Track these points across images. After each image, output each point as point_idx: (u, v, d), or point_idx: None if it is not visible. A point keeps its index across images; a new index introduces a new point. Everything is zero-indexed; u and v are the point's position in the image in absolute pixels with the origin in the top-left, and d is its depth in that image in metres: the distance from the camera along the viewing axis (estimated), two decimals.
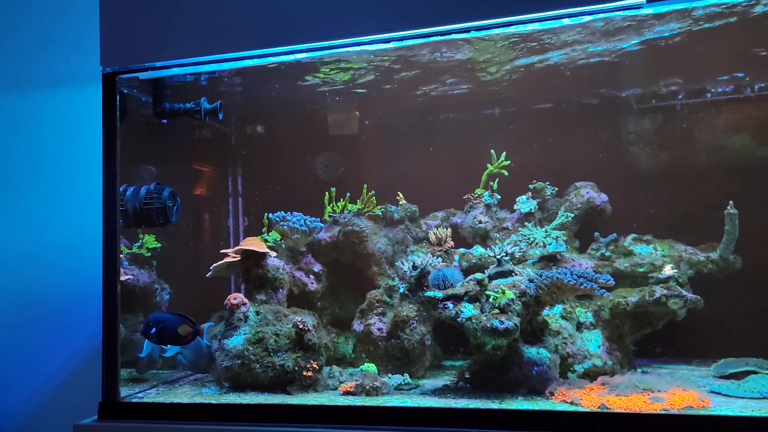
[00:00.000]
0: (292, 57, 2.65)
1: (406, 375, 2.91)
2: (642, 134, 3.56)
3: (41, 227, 3.67)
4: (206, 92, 3.10)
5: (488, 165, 3.54)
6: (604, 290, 2.54)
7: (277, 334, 2.84)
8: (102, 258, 2.66)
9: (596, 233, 3.35)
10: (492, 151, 3.51)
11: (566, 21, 2.41)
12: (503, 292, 2.59)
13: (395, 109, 3.89)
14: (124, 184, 3.00)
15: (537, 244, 3.24)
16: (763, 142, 3.33)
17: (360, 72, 3.31)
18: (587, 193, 3.44)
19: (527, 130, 3.70)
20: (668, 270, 3.13)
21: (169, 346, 3.04)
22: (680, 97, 3.47)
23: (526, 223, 3.39)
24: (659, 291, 2.88)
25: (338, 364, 3.12)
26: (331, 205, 3.54)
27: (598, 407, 2.28)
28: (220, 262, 3.11)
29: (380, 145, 3.99)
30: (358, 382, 2.71)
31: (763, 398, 2.40)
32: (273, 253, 3.22)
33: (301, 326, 2.81)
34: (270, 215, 3.44)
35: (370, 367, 2.98)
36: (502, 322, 2.48)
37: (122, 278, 2.85)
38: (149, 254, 3.54)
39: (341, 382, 2.82)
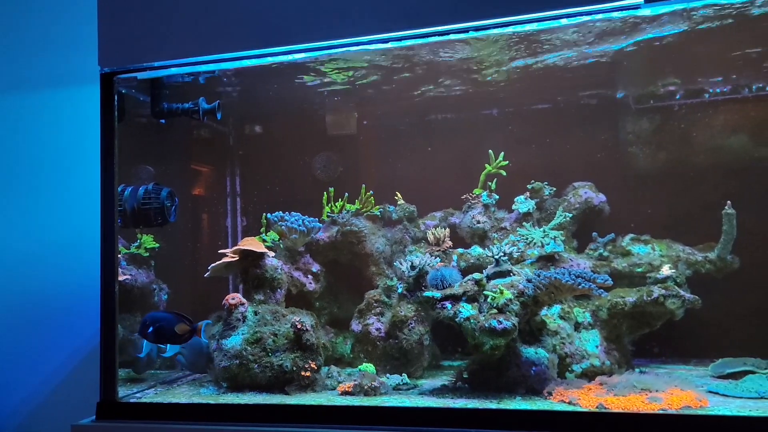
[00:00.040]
0: (290, 57, 2.65)
1: (405, 375, 2.91)
2: (640, 134, 3.57)
3: (39, 227, 3.66)
4: (204, 92, 3.10)
5: (486, 165, 3.54)
6: (602, 290, 2.54)
7: (276, 334, 2.84)
8: (100, 258, 2.66)
9: (594, 233, 3.36)
10: (490, 151, 3.51)
11: (564, 21, 2.42)
12: (501, 292, 2.59)
13: (394, 109, 3.89)
14: (122, 184, 3.00)
15: (535, 244, 3.24)
16: (761, 143, 3.33)
17: (358, 72, 3.31)
18: (585, 193, 3.45)
19: (525, 130, 3.71)
20: (666, 270, 3.13)
21: (168, 345, 3.04)
22: (678, 97, 3.48)
23: (524, 223, 3.39)
24: (657, 291, 2.88)
25: (336, 364, 3.12)
26: (330, 205, 3.54)
27: (596, 407, 2.29)
28: (218, 262, 3.11)
29: (379, 145, 3.99)
30: (356, 382, 2.71)
31: (761, 398, 2.41)
32: (271, 253, 3.22)
33: (299, 326, 2.81)
34: (268, 215, 3.44)
35: (369, 367, 2.98)
36: (500, 322, 2.48)
37: (120, 278, 2.85)
38: (147, 254, 3.53)
39: (339, 382, 2.82)
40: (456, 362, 3.29)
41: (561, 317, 2.95)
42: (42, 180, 3.68)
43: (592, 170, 3.55)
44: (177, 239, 3.83)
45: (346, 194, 3.53)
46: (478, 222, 3.50)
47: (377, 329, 3.12)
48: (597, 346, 2.89)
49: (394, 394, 2.71)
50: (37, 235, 3.66)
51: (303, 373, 2.77)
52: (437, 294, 2.70)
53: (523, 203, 3.46)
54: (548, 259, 3.17)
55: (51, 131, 3.69)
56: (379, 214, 3.59)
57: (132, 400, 2.73)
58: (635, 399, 2.31)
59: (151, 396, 2.83)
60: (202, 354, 3.08)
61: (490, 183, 3.56)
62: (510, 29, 2.57)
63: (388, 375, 2.93)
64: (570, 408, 2.33)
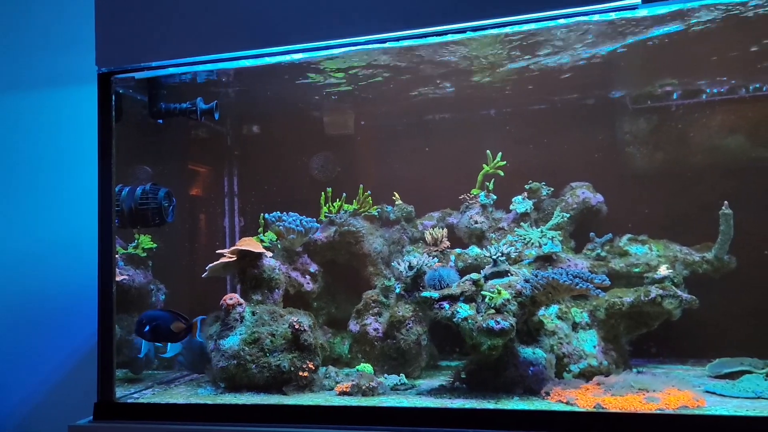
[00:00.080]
0: (288, 57, 2.65)
1: (402, 375, 2.91)
2: (637, 134, 3.57)
3: (37, 227, 3.66)
4: (202, 92, 3.10)
5: (484, 165, 3.54)
6: (599, 290, 2.55)
7: (273, 335, 2.84)
8: (97, 258, 2.65)
9: (592, 233, 3.36)
10: (488, 151, 3.51)
11: (562, 21, 2.42)
12: (499, 293, 2.60)
13: (391, 109, 3.89)
14: (119, 184, 2.99)
15: (533, 244, 3.24)
16: (758, 143, 3.34)
17: (356, 72, 3.31)
18: (583, 193, 3.45)
19: (523, 130, 3.71)
20: (663, 270, 3.14)
21: (169, 346, 3.04)
22: (675, 97, 3.48)
23: (521, 224, 3.40)
24: (654, 291, 2.88)
25: (334, 364, 3.12)
26: (327, 205, 3.54)
27: (594, 407, 2.29)
28: (215, 263, 3.11)
29: (376, 145, 3.99)
30: (354, 383, 2.71)
31: (758, 398, 2.41)
32: (269, 254, 3.22)
33: (297, 326, 2.81)
34: (266, 215, 3.44)
35: (366, 367, 2.99)
36: (498, 323, 2.48)
37: (118, 279, 2.85)
38: (145, 254, 3.53)
39: (337, 383, 2.82)
40: (454, 362, 3.29)
41: (558, 317, 2.95)
42: (39, 180, 3.68)
43: (589, 170, 3.56)
44: (174, 239, 3.83)
45: (344, 194, 3.53)
46: (476, 222, 3.50)
47: (375, 329, 3.12)
48: (594, 346, 2.89)
49: (391, 394, 2.71)
50: (34, 235, 3.65)
51: (301, 373, 2.77)
52: (435, 294, 2.70)
53: (520, 203, 3.47)
54: (546, 260, 3.17)
55: (48, 131, 3.69)
56: (376, 214, 3.59)
57: (129, 401, 2.72)
58: (632, 399, 2.31)
59: (149, 396, 2.83)
60: (202, 354, 3.08)
61: (487, 183, 3.56)
62: (507, 29, 2.57)
63: (385, 375, 2.93)
64: (567, 408, 2.33)
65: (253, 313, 2.94)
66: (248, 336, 2.84)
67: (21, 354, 3.63)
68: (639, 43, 2.99)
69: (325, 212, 3.53)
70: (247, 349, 2.80)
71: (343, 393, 2.69)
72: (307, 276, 3.43)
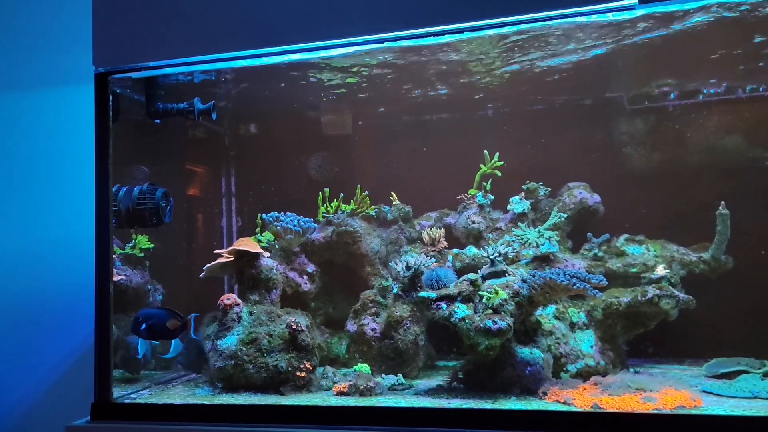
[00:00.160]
0: (285, 57, 2.65)
1: (400, 375, 2.91)
2: (634, 135, 3.58)
3: (33, 227, 3.65)
4: (199, 92, 3.10)
5: (481, 165, 3.54)
6: (596, 290, 2.55)
7: (271, 335, 2.84)
8: (95, 258, 2.65)
9: (589, 233, 3.37)
10: (485, 151, 3.52)
11: (559, 22, 2.42)
12: (496, 293, 2.60)
13: (389, 109, 3.89)
14: (116, 184, 2.99)
15: (530, 244, 3.24)
16: (755, 143, 3.35)
17: (354, 72, 3.31)
18: (580, 193, 3.46)
19: (520, 130, 3.71)
20: (660, 270, 3.14)
21: (172, 345, 3.04)
22: (672, 97, 3.49)
23: (519, 224, 3.40)
24: (651, 291, 2.89)
25: (332, 364, 3.12)
26: (325, 205, 3.54)
27: (591, 407, 2.29)
28: (213, 263, 3.11)
29: (374, 145, 3.99)
30: (351, 383, 2.71)
31: (755, 397, 2.42)
32: (266, 254, 3.21)
33: (294, 327, 2.81)
34: (263, 215, 3.44)
35: (364, 367, 2.99)
36: (495, 323, 2.49)
37: (115, 279, 2.85)
38: (142, 255, 3.53)
39: (335, 383, 2.82)
40: (451, 362, 3.29)
41: (556, 317, 2.96)
42: (36, 180, 3.67)
43: (586, 171, 3.56)
44: (172, 240, 3.83)
45: (342, 194, 3.53)
46: (474, 222, 3.50)
47: (372, 329, 3.12)
48: (592, 346, 2.89)
49: (389, 394, 2.71)
50: (31, 235, 3.65)
51: (298, 373, 2.77)
52: (432, 294, 2.70)
53: (518, 204, 3.47)
54: (543, 260, 3.18)
55: (46, 131, 3.68)
56: (374, 214, 3.59)
57: (127, 401, 2.72)
58: (630, 399, 2.31)
59: (146, 396, 2.83)
60: (200, 354, 3.08)
61: (485, 183, 3.56)
62: (505, 29, 2.57)
63: (383, 375, 2.93)
64: (565, 408, 2.34)
65: (251, 314, 2.94)
66: (246, 336, 2.83)
67: (18, 354, 3.63)
68: (636, 44, 2.99)
69: (323, 212, 3.53)
70: (244, 349, 2.80)
71: (340, 393, 2.69)
72: (304, 276, 3.43)
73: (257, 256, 3.13)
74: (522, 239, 3.27)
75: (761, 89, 3.35)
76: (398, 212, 3.60)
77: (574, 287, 2.52)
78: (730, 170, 3.35)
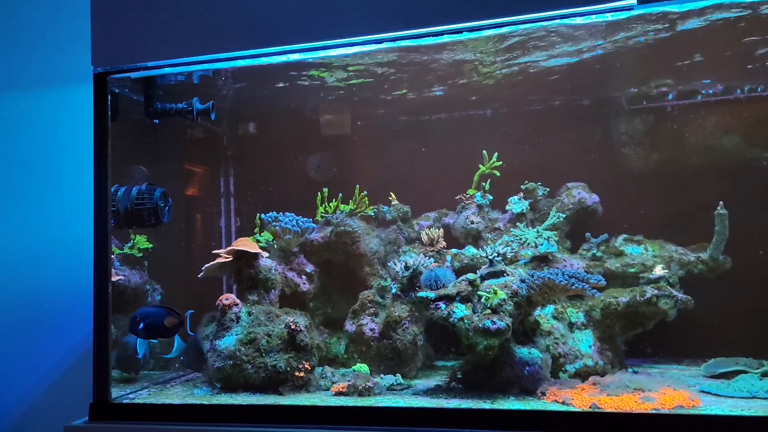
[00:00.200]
0: (284, 57, 2.65)
1: (398, 375, 2.91)
2: (633, 135, 3.58)
3: (32, 227, 3.65)
4: (198, 92, 3.10)
5: (480, 165, 3.54)
6: (595, 290, 2.55)
7: (269, 335, 2.84)
8: (93, 258, 2.65)
9: (587, 234, 3.37)
10: (484, 151, 3.52)
11: (557, 22, 2.43)
12: (495, 293, 2.60)
13: (387, 109, 3.89)
14: (115, 184, 2.99)
15: (529, 244, 3.25)
16: (754, 143, 3.35)
17: (353, 73, 3.31)
18: (579, 193, 3.46)
19: (519, 130, 3.71)
20: (659, 270, 3.14)
21: (175, 345, 3.04)
22: (671, 97, 3.49)
23: (517, 224, 3.40)
24: (650, 291, 2.89)
25: (330, 364, 3.12)
26: (324, 205, 3.54)
27: (590, 407, 2.29)
28: (212, 263, 3.11)
29: (372, 145, 3.99)
30: (350, 383, 2.71)
31: (753, 397, 2.42)
32: (265, 254, 3.21)
33: (293, 327, 2.81)
34: (262, 216, 3.44)
35: (363, 367, 2.99)
36: (494, 323, 2.49)
37: (113, 279, 2.84)
38: (140, 255, 3.53)
39: (333, 383, 2.82)
40: (450, 362, 3.30)
41: (554, 317, 2.96)
42: (35, 180, 3.67)
43: (585, 171, 3.56)
44: (170, 240, 3.83)
45: (340, 195, 3.53)
46: (472, 222, 3.50)
47: (371, 329, 3.13)
48: (590, 346, 2.90)
49: (387, 394, 2.72)
50: (30, 236, 3.64)
51: (297, 373, 2.77)
52: (431, 294, 2.70)
53: (516, 204, 3.47)
54: (542, 260, 3.18)
55: (44, 131, 3.68)
56: (373, 214, 3.59)
57: (125, 401, 2.72)
58: (628, 399, 2.31)
59: (145, 397, 2.82)
60: (202, 353, 3.08)
61: (483, 183, 3.56)
62: (504, 30, 2.57)
63: (381, 375, 2.93)
64: (563, 408, 2.34)
65: (249, 314, 2.94)
66: (244, 336, 2.83)
67: (17, 354, 3.62)
68: (635, 44, 2.99)
69: (322, 212, 3.53)
70: (243, 349, 2.80)
71: (339, 393, 2.69)
72: (303, 276, 3.43)
73: (256, 256, 3.13)
74: (520, 239, 3.27)
75: (759, 89, 3.35)
76: (397, 212, 3.60)
77: (573, 287, 2.53)
78: (729, 170, 3.36)
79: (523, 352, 2.64)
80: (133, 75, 2.79)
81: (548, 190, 3.51)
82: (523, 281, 2.64)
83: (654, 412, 2.22)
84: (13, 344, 3.63)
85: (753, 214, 3.19)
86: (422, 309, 2.78)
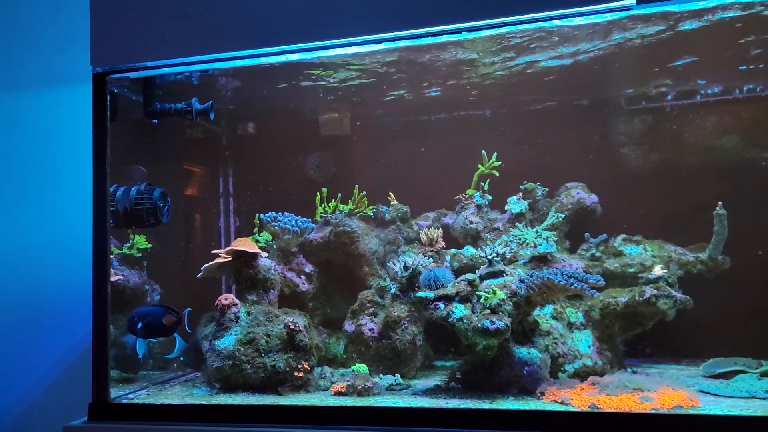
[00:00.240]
0: (283, 57, 2.65)
1: (398, 375, 2.91)
2: (632, 135, 3.58)
3: (31, 227, 3.64)
4: (197, 92, 3.10)
5: (479, 165, 3.54)
6: (594, 290, 2.55)
7: (269, 335, 2.84)
8: (92, 258, 2.65)
9: (586, 234, 3.37)
10: (483, 151, 3.52)
11: (556, 22, 2.43)
12: (494, 293, 2.60)
13: (387, 109, 3.89)
14: (114, 184, 2.98)
15: (528, 244, 3.25)
16: (752, 143, 3.35)
17: (352, 72, 3.31)
18: (578, 193, 3.46)
19: (518, 130, 3.72)
20: (658, 270, 3.15)
21: (177, 345, 3.04)
22: (670, 98, 3.49)
23: (517, 224, 3.40)
24: (649, 291, 2.89)
25: (329, 364, 3.12)
26: (323, 205, 3.54)
27: (589, 407, 2.29)
28: (210, 263, 3.11)
29: (372, 145, 3.99)
30: (349, 383, 2.71)
31: (752, 397, 2.42)
32: (264, 254, 3.21)
33: (292, 327, 2.81)
34: (261, 216, 3.43)
35: (362, 367, 2.98)
36: (493, 323, 2.49)
37: (112, 279, 2.84)
38: (140, 255, 3.52)
39: (332, 383, 2.82)
40: (449, 362, 3.30)
41: (553, 317, 2.96)
42: (33, 181, 3.66)
43: (584, 171, 3.56)
44: (170, 240, 3.82)
45: (339, 195, 3.53)
46: (471, 222, 3.50)
47: (370, 330, 3.12)
48: (589, 346, 2.90)
49: (387, 394, 2.72)
50: (28, 236, 3.64)
51: (296, 373, 2.77)
52: (430, 294, 2.70)
53: (515, 204, 3.47)
54: (541, 260, 3.18)
55: (43, 131, 3.67)
56: (372, 214, 3.59)
57: (124, 401, 2.72)
58: (627, 399, 2.31)
59: (144, 397, 2.82)
60: (198, 350, 3.08)
61: (483, 183, 3.57)
62: (502, 30, 2.57)
63: (381, 375, 2.93)
64: (562, 408, 2.34)
65: (249, 314, 2.94)
66: (243, 336, 2.83)
67: (16, 354, 3.62)
68: (634, 44, 2.99)
69: (321, 212, 3.53)
70: (242, 349, 2.80)
71: (338, 393, 2.69)
72: (302, 276, 3.43)
73: (255, 256, 3.13)
74: (520, 239, 3.28)
75: (758, 89, 3.36)
76: (396, 212, 3.60)
77: (572, 287, 2.53)
78: (728, 170, 3.36)
79: (522, 352, 2.65)
80: (132, 75, 2.79)
81: (547, 190, 3.51)
82: (522, 281, 2.64)
83: (653, 412, 2.22)
84: (12, 344, 3.62)
85: (752, 214, 3.19)
86: (421, 309, 2.78)
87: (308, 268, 3.46)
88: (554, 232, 3.30)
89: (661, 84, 3.47)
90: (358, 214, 3.54)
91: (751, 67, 3.20)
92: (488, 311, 2.56)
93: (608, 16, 2.48)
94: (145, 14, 2.63)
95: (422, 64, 3.21)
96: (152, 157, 3.70)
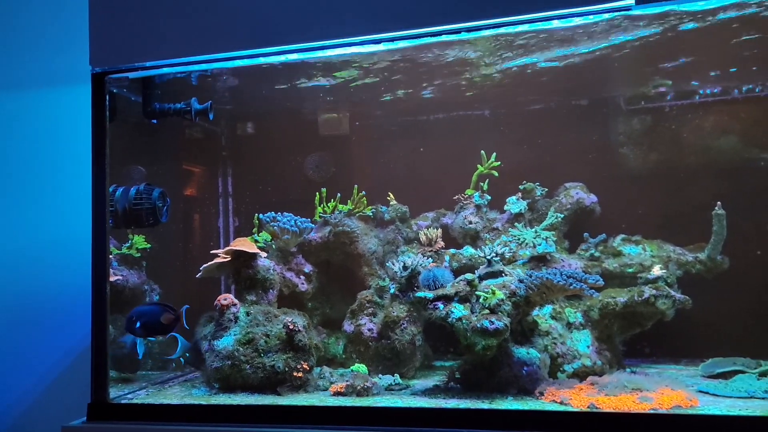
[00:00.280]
0: (283, 57, 2.65)
1: (397, 375, 2.91)
2: (631, 135, 3.58)
3: (30, 227, 3.64)
4: (196, 92, 3.09)
5: (478, 166, 3.55)
6: (593, 290, 2.56)
7: (268, 335, 2.84)
8: (91, 258, 2.64)
9: (585, 234, 3.37)
10: (482, 151, 3.52)
11: (556, 22, 2.43)
12: (493, 293, 2.60)
13: (386, 109, 3.89)
14: (113, 184, 2.98)
15: (527, 244, 3.25)
16: (751, 144, 3.36)
17: (351, 73, 3.31)
18: (577, 193, 3.46)
19: (517, 131, 3.72)
20: (657, 270, 3.15)
21: (179, 345, 3.04)
22: (669, 98, 3.50)
23: (516, 224, 3.40)
24: (648, 291, 2.89)
25: (329, 364, 3.12)
26: (322, 205, 3.54)
27: (588, 407, 2.29)
28: (210, 263, 3.10)
29: (371, 145, 3.99)
30: (348, 383, 2.71)
31: (751, 397, 2.43)
32: (263, 254, 3.21)
33: (291, 327, 2.81)
34: (260, 216, 3.43)
35: (361, 367, 2.98)
36: (492, 323, 2.49)
37: (111, 279, 2.84)
38: (139, 255, 3.52)
39: (332, 383, 2.82)
40: (448, 362, 3.30)
41: (552, 317, 2.96)
42: (32, 181, 3.66)
43: (583, 171, 3.56)
44: (169, 240, 3.82)
45: (339, 195, 3.53)
46: (470, 222, 3.51)
47: (369, 330, 3.12)
48: (588, 346, 2.90)
49: (386, 394, 2.72)
50: (27, 236, 3.64)
51: (295, 373, 2.77)
52: (429, 294, 2.70)
53: (514, 204, 3.47)
54: (540, 260, 3.18)
55: (43, 131, 3.67)
56: (371, 214, 3.59)
57: (123, 401, 2.72)
58: (626, 399, 2.32)
59: (143, 397, 2.82)
60: (197, 350, 3.08)
61: (482, 183, 3.57)
62: (502, 30, 2.57)
63: (380, 375, 2.93)
64: (561, 408, 2.34)
65: (248, 314, 2.94)
66: (242, 336, 2.83)
67: (15, 354, 3.62)
68: (633, 44, 3.00)
69: (320, 212, 3.53)
70: (241, 349, 2.80)
71: (337, 393, 2.69)
72: (301, 276, 3.43)
73: (254, 256, 3.13)
74: (519, 239, 3.28)
75: (757, 90, 3.36)
76: (395, 212, 3.60)
77: (571, 287, 2.53)
78: (727, 170, 3.36)
79: (521, 352, 2.65)
80: (131, 75, 2.79)
81: (546, 190, 3.51)
82: (521, 281, 2.64)
83: (652, 412, 2.22)
84: (11, 344, 3.62)
85: (751, 215, 3.19)
86: (420, 309, 2.78)
87: (307, 268, 3.46)
88: (553, 232, 3.30)
89: (660, 84, 3.47)
90: (357, 214, 3.54)
91: (753, 68, 3.20)
92: (487, 311, 2.56)
93: (607, 17, 2.49)
94: (144, 14, 2.63)
95: (422, 64, 3.21)
96: (151, 157, 3.70)
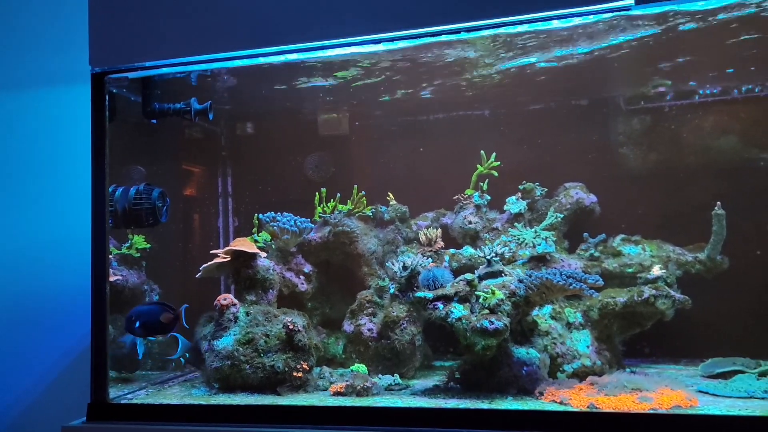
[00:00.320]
0: (282, 57, 2.65)
1: (397, 375, 2.91)
2: (631, 135, 3.58)
3: (30, 227, 3.64)
4: (196, 92, 3.09)
5: (478, 166, 3.55)
6: (593, 290, 2.56)
7: (267, 335, 2.84)
8: (91, 258, 2.64)
9: (585, 234, 3.37)
10: (482, 151, 3.52)
11: (555, 22, 2.43)
12: (493, 293, 2.60)
13: (385, 109, 3.89)
14: (113, 184, 2.98)
15: (526, 244, 3.25)
16: (751, 144, 3.36)
17: (351, 73, 3.31)
18: (576, 193, 3.46)
19: (517, 131, 3.72)
20: (656, 270, 3.15)
21: (180, 345, 3.04)
22: (668, 98, 3.50)
23: (515, 224, 3.40)
24: (648, 291, 2.89)
25: (328, 364, 3.12)
26: (322, 205, 3.54)
27: (587, 407, 2.29)
28: (209, 263, 3.10)
29: (371, 145, 3.99)
30: (348, 383, 2.71)
31: (750, 397, 2.43)
32: (263, 254, 3.21)
33: (291, 327, 2.81)
34: (260, 216, 3.43)
35: (361, 367, 2.98)
36: (492, 323, 2.49)
37: (111, 279, 2.84)
38: (138, 255, 3.52)
39: (331, 383, 2.82)
40: (448, 362, 3.30)
41: (552, 317, 2.96)
42: (31, 181, 3.66)
43: (583, 171, 3.56)
44: (168, 240, 3.82)
45: (339, 195, 3.53)
46: (470, 222, 3.51)
47: (369, 330, 3.12)
48: (588, 346, 2.90)
49: (386, 394, 2.72)
50: (26, 236, 3.64)
51: (295, 373, 2.77)
52: (429, 294, 2.70)
53: (514, 204, 3.47)
54: (540, 260, 3.18)
55: (42, 131, 3.67)
56: (371, 214, 3.59)
57: (123, 401, 2.72)
58: (626, 399, 2.32)
59: (143, 397, 2.82)
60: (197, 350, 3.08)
61: (481, 183, 3.57)
62: (501, 30, 2.57)
63: (380, 375, 2.93)
64: (561, 408, 2.34)
65: (247, 314, 2.93)
66: (242, 336, 2.83)
67: (14, 354, 3.62)
68: (632, 44, 2.99)
69: (320, 213, 3.53)
70: (241, 349, 2.80)
71: (337, 393, 2.69)
72: (301, 276, 3.43)
73: (254, 256, 3.13)
74: (518, 239, 3.28)
75: (756, 90, 3.36)
76: (395, 212, 3.60)
77: (571, 287, 2.53)
78: (726, 170, 3.36)
79: (521, 352, 2.65)
80: (131, 75, 2.79)
81: (546, 190, 3.51)
82: (521, 281, 2.64)
83: (651, 412, 2.22)
84: (11, 344, 3.62)
85: (750, 215, 3.20)
86: (420, 309, 2.78)
87: (307, 268, 3.46)
88: (553, 232, 3.30)
89: (659, 84, 3.47)
90: (357, 214, 3.54)
91: (752, 68, 3.20)
92: (487, 311, 2.56)
93: (606, 16, 2.49)
94: (143, 14, 2.63)
95: (422, 65, 3.21)
96: (151, 157, 3.70)
